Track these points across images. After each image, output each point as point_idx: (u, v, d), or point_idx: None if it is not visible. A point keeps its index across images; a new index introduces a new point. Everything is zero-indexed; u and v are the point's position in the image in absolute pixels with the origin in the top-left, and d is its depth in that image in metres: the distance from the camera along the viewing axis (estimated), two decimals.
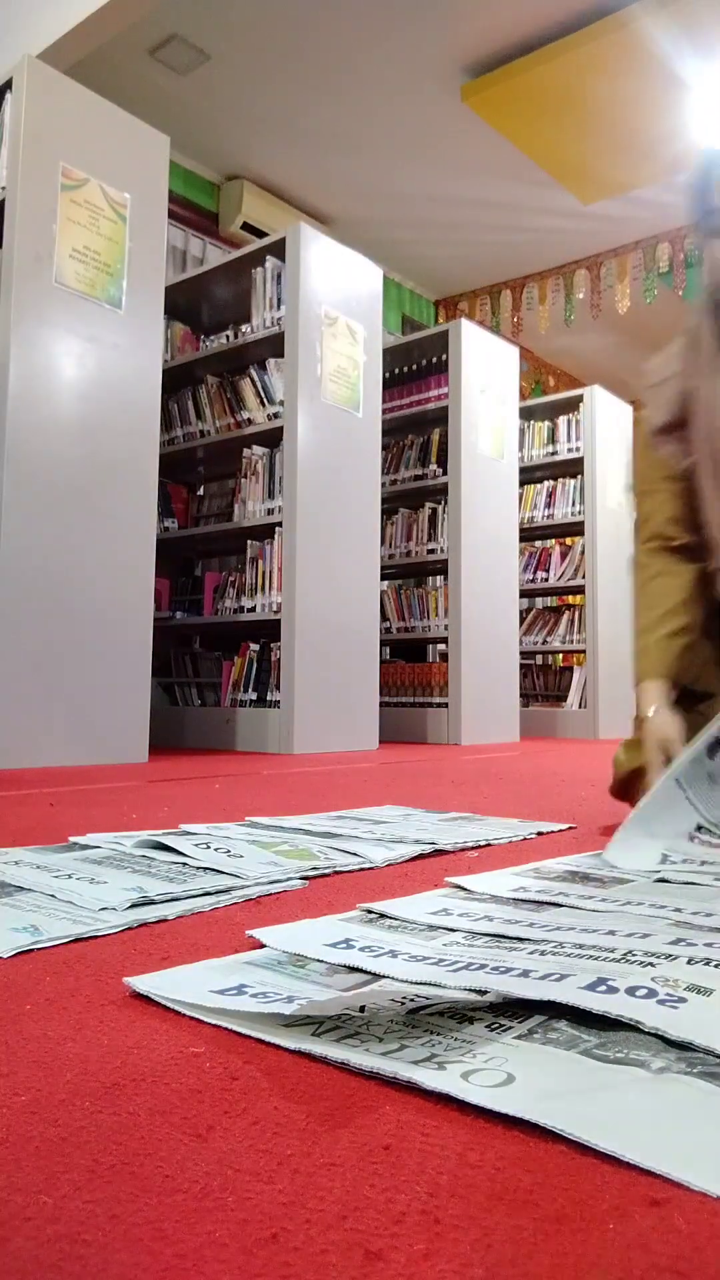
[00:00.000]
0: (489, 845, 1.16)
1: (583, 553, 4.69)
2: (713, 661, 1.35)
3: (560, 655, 5.37)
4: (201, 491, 4.06)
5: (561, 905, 0.78)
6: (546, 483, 4.89)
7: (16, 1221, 0.32)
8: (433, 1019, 0.50)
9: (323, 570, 3.22)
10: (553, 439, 4.86)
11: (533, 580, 4.86)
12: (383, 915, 0.74)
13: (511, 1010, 0.52)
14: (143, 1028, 0.51)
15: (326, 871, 0.95)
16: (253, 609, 3.34)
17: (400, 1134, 0.39)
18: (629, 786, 1.34)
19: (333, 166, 5.37)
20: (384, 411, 4.02)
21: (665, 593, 1.32)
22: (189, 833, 1.14)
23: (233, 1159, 0.36)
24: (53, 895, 0.81)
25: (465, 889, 0.85)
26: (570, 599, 5.45)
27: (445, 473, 4.00)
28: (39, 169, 2.47)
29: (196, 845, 1.02)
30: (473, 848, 1.14)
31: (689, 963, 0.59)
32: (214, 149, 5.23)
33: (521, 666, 4.45)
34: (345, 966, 0.58)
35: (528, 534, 4.87)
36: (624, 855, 0.99)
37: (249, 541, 3.38)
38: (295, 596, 3.13)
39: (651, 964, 0.58)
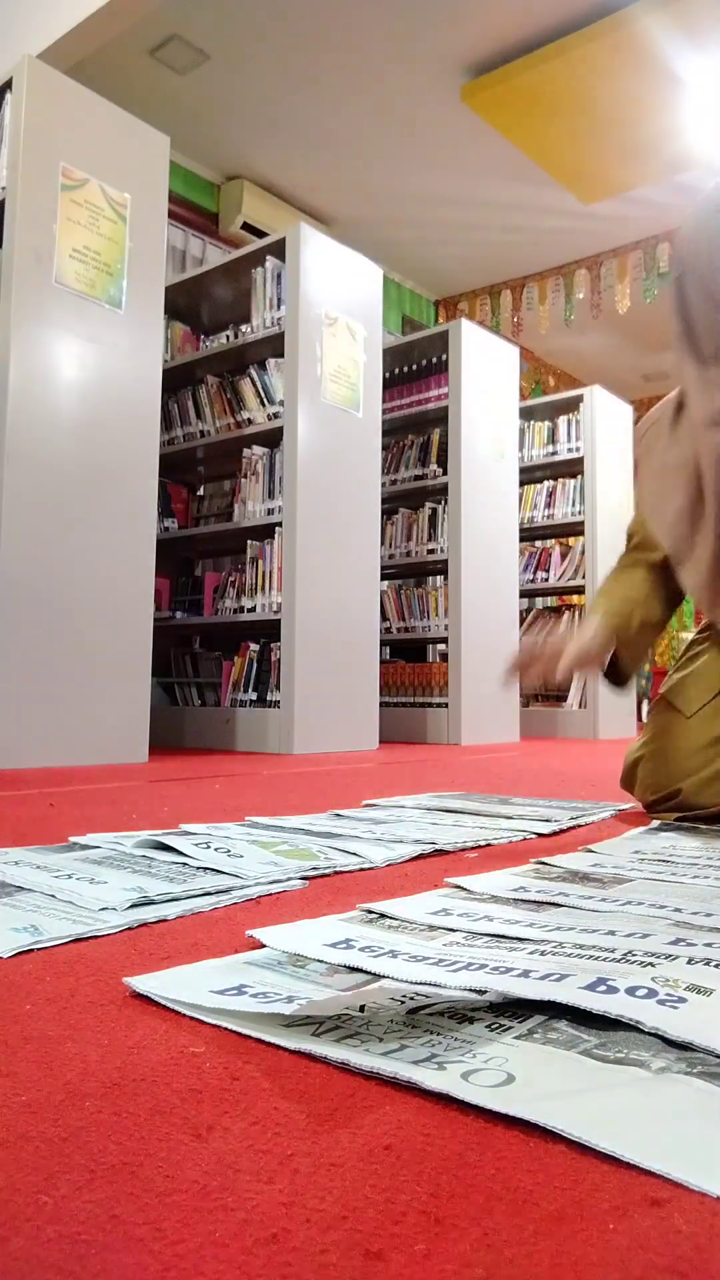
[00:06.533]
0: (489, 845, 1.16)
1: (583, 553, 4.69)
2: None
3: None
4: (201, 491, 4.06)
5: (561, 905, 0.78)
6: (546, 483, 4.89)
7: (17, 1221, 0.32)
8: (433, 1019, 0.50)
9: (323, 570, 3.22)
10: (553, 439, 4.86)
11: (533, 580, 4.86)
12: (383, 915, 0.74)
13: (511, 1010, 0.52)
14: (143, 1028, 0.51)
15: (326, 871, 0.95)
16: (253, 609, 3.34)
17: (400, 1134, 0.39)
18: (629, 777, 1.45)
19: (333, 166, 5.37)
20: (384, 411, 4.02)
21: (630, 581, 1.50)
22: (189, 833, 1.14)
23: (233, 1159, 0.36)
24: (53, 895, 0.81)
25: (465, 889, 0.85)
26: (570, 599, 5.46)
27: (445, 473, 4.00)
28: (39, 169, 2.47)
29: (196, 845, 1.02)
30: (473, 848, 1.14)
31: (689, 963, 0.59)
32: (214, 149, 5.23)
33: None
34: (345, 966, 0.58)
35: (528, 534, 4.87)
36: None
37: (249, 541, 3.38)
38: (295, 596, 3.12)
39: (651, 964, 0.58)
